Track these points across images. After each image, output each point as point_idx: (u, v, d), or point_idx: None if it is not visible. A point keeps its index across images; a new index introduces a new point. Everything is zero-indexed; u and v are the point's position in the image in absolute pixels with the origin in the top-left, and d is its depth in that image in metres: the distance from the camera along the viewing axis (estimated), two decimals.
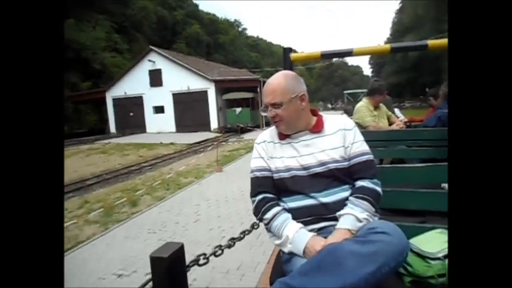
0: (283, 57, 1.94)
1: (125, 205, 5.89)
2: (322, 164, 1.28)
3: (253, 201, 1.35)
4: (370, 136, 2.13)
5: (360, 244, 1.01)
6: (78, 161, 11.82)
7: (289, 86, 1.30)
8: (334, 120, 1.40)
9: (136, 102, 22.90)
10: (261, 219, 1.32)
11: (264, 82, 1.34)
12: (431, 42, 1.83)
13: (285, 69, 1.70)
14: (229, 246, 1.20)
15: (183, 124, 22.02)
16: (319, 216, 1.25)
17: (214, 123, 21.86)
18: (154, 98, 22.56)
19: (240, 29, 73.61)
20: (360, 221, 1.17)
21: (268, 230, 1.31)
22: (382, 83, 3.56)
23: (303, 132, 1.36)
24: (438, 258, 1.22)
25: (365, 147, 1.36)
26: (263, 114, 1.37)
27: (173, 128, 22.32)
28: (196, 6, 57.69)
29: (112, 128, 24.02)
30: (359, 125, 3.03)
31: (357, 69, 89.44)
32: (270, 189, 1.33)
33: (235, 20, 75.76)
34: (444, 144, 2.30)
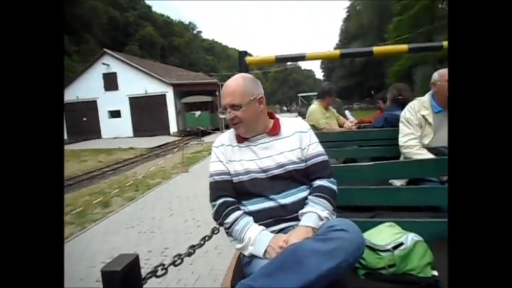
0: (238, 61, 1.97)
1: (96, 207, 5.99)
2: (281, 166, 1.30)
3: (213, 206, 1.33)
4: (324, 137, 2.15)
5: (321, 242, 1.03)
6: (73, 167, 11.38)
7: (248, 88, 1.30)
8: (290, 123, 1.43)
9: (90, 106, 22.02)
10: (221, 224, 1.30)
11: (222, 85, 1.36)
12: (376, 48, 1.95)
13: (240, 72, 1.71)
14: (189, 254, 1.16)
15: (140, 128, 21.59)
16: (279, 218, 1.27)
17: (173, 127, 21.70)
18: (110, 102, 21.84)
19: (195, 32, 72.98)
20: (322, 219, 1.20)
21: (229, 234, 1.31)
22: (332, 86, 3.78)
23: (261, 135, 1.36)
24: (388, 250, 1.27)
25: (320, 149, 1.40)
26: (221, 116, 1.38)
27: (130, 133, 21.83)
28: (149, 7, 56.24)
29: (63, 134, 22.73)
30: (313, 127, 3.13)
31: (310, 73, 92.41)
32: (230, 193, 1.32)
33: (190, 22, 74.72)
34: (391, 143, 2.43)
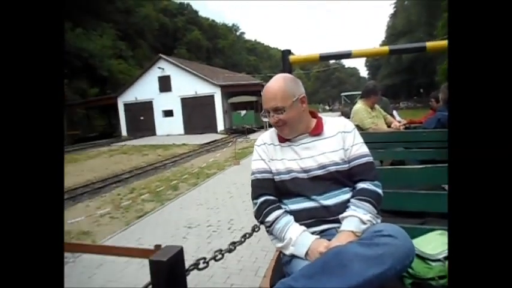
0: (282, 60, 1.92)
1: (168, 190, 7.22)
2: (322, 166, 1.28)
3: (254, 204, 1.33)
4: (369, 138, 2.12)
5: (366, 247, 1.00)
6: (105, 161, 12.96)
7: (290, 90, 1.28)
8: (333, 123, 1.39)
9: (146, 106, 23.80)
10: (262, 222, 1.30)
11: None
12: (429, 44, 1.81)
13: (283, 71, 1.68)
14: (230, 251, 1.19)
15: (191, 127, 22.91)
16: (321, 219, 1.24)
17: (220, 126, 22.77)
18: (164, 103, 23.49)
19: (238, 33, 74.41)
20: (364, 223, 1.16)
21: (270, 232, 1.30)
22: (376, 84, 3.61)
23: (303, 135, 1.34)
24: (438, 260, 1.22)
25: (365, 149, 1.34)
26: (264, 119, 1.36)
27: (181, 131, 23.22)
28: (197, 12, 58.50)
29: (123, 131, 24.92)
30: (358, 127, 3.08)
31: (354, 71, 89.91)
32: (271, 191, 1.31)
33: (234, 24, 75.94)
34: (444, 145, 2.29)
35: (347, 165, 1.30)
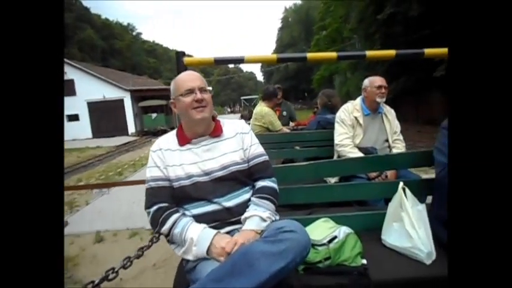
0: (176, 62, 1.94)
1: (114, 176, 8.86)
2: (224, 167, 1.31)
3: (148, 213, 1.29)
4: (263, 139, 2.08)
5: (270, 244, 1.04)
6: None
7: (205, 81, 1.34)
8: (231, 124, 1.43)
9: None
10: (159, 232, 1.25)
11: None
12: (309, 55, 2.05)
13: (178, 72, 1.63)
14: (138, 256, 1.15)
15: (99, 130, 23.32)
16: (224, 221, 1.26)
17: (131, 128, 23.87)
18: (67, 107, 22.66)
19: (134, 33, 69.84)
20: (264, 220, 1.23)
21: (170, 240, 1.27)
22: (276, 87, 3.78)
23: (203, 137, 1.34)
24: (324, 244, 1.34)
25: (261, 149, 1.43)
26: (185, 99, 1.29)
27: (89, 135, 23.48)
28: (87, 9, 53.91)
29: None
30: (268, 130, 3.42)
31: (251, 76, 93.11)
32: (167, 199, 1.28)
33: (129, 24, 70.89)
34: (325, 144, 2.70)
35: (246, 165, 1.37)
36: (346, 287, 1.25)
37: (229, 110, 55.00)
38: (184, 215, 1.28)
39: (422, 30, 10.49)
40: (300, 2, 46.92)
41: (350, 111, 2.41)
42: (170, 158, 1.33)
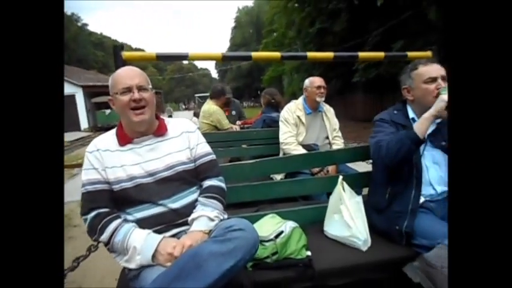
0: (114, 56, 1.72)
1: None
2: (170, 167, 1.19)
3: (84, 220, 1.12)
4: (210, 137, 2.05)
5: (219, 243, 0.98)
6: None
7: (147, 77, 1.21)
8: (176, 123, 1.32)
9: None
10: (97, 240, 1.11)
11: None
12: (254, 54, 1.96)
13: (116, 68, 1.49)
14: (72, 269, 1.10)
15: None
16: (170, 224, 1.15)
17: (84, 124, 22.49)
18: None
19: (79, 24, 65.53)
20: (212, 220, 1.14)
21: (111, 249, 1.11)
22: (224, 86, 3.65)
23: (146, 137, 1.21)
24: (271, 240, 1.31)
25: (208, 148, 1.33)
26: (121, 97, 1.13)
27: None
28: None
29: None
30: (216, 128, 3.29)
31: (206, 72, 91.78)
32: (106, 203, 1.12)
33: (73, 13, 61.54)
34: (270, 142, 2.65)
35: (193, 164, 1.27)
36: (293, 279, 1.25)
37: (184, 106, 53.35)
38: (125, 220, 1.14)
39: (347, 42, 11.71)
40: (251, 4, 46.89)
41: (293, 110, 2.41)
42: (109, 159, 1.16)
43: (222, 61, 2.38)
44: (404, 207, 1.35)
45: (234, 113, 4.03)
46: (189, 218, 1.17)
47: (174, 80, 67.77)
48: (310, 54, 1.88)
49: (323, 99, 2.41)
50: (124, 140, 1.20)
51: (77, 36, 55.00)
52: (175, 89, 69.49)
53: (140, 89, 1.15)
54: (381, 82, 10.68)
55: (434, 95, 1.36)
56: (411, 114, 1.50)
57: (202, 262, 0.94)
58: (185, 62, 59.14)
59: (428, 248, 1.20)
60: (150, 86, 1.20)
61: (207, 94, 4.13)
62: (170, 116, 23.89)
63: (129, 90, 1.14)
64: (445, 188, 1.41)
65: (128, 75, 1.16)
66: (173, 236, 1.15)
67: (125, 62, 1.69)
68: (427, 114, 1.28)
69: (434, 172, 1.42)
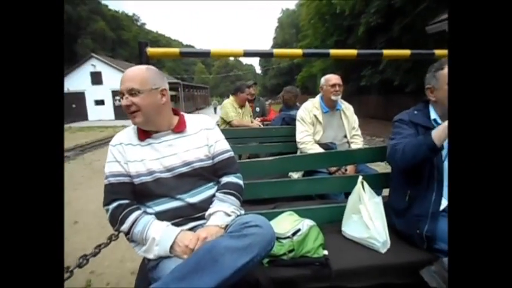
0: (139, 52, 1.61)
1: None
2: (187, 164, 1.11)
3: (106, 211, 1.06)
4: (229, 134, 1.98)
5: (236, 239, 0.92)
6: (66, 137, 12.87)
7: (150, 77, 1.07)
8: (195, 120, 1.22)
9: (78, 96, 24.01)
10: (119, 230, 1.05)
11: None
12: (276, 51, 1.70)
13: (141, 63, 1.43)
14: (95, 254, 1.06)
15: (120, 113, 23.37)
16: (188, 217, 1.08)
17: None
18: (95, 94, 24.17)
19: (139, 24, 65.57)
20: (229, 215, 1.07)
21: (130, 239, 1.05)
22: (244, 84, 3.47)
23: (165, 132, 1.13)
24: (288, 237, 1.21)
25: (227, 145, 1.23)
26: (117, 103, 1.63)
27: (112, 117, 24.08)
28: (99, 2, 50.67)
29: None
30: (222, 119, 3.15)
31: (251, 68, 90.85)
32: (127, 195, 1.06)
33: (134, 14, 65.36)
34: (288, 139, 2.40)
35: (211, 161, 1.17)
36: (308, 277, 1.15)
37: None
38: (145, 212, 1.06)
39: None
40: (293, 7, 45.43)
41: (309, 109, 2.19)
42: (131, 153, 1.09)
43: (244, 56, 1.82)
44: (425, 211, 1.19)
45: (258, 109, 3.91)
46: (206, 213, 1.09)
47: (220, 75, 68.34)
48: (333, 51, 1.65)
49: (339, 97, 2.17)
50: (143, 135, 1.12)
51: (137, 36, 56.39)
52: (221, 84, 69.86)
53: (131, 93, 1.04)
54: (388, 85, 11.45)
55: None
56: (433, 115, 1.30)
57: (219, 256, 0.87)
58: (231, 58, 59.32)
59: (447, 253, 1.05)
60: (150, 87, 1.06)
61: None
62: (215, 109, 23.68)
63: (122, 94, 1.06)
64: None
65: (122, 79, 1.06)
66: (190, 229, 1.08)
67: (150, 59, 1.57)
68: (447, 122, 1.07)
69: None
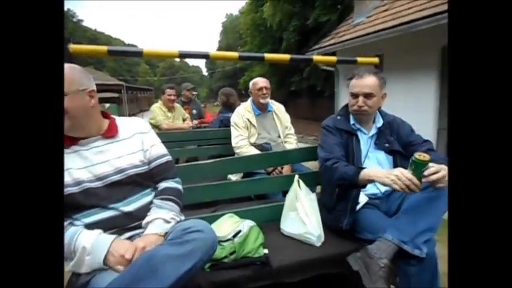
0: None
1: None
2: (120, 171, 1.00)
3: None
4: (166, 137, 1.87)
5: (176, 246, 0.85)
6: None
7: (75, 77, 0.94)
8: (128, 123, 1.10)
9: None
10: None
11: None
12: (212, 53, 1.62)
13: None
14: None
15: None
16: (123, 227, 0.97)
17: None
18: None
19: (74, 20, 57.11)
20: (168, 222, 0.99)
21: None
22: (171, 85, 3.28)
23: (94, 138, 1.00)
24: (229, 240, 1.18)
25: (163, 149, 1.15)
26: None
27: None
28: None
29: None
30: (153, 125, 2.93)
31: (197, 69, 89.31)
32: None
33: (69, 9, 55.66)
34: (226, 142, 2.28)
35: (147, 167, 1.07)
36: (250, 277, 1.13)
37: None
38: (71, 224, 0.93)
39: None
40: (237, 13, 45.43)
41: (242, 113, 2.16)
42: None
43: (179, 58, 1.65)
44: (345, 207, 1.28)
45: (194, 111, 3.79)
46: (144, 221, 1.00)
47: (165, 77, 64.71)
48: (268, 55, 1.67)
49: (267, 100, 2.18)
50: (69, 142, 0.98)
51: (73, 33, 51.28)
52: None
53: None
54: (313, 90, 12.69)
55: (354, 109, 1.35)
56: (352, 120, 1.42)
57: (159, 265, 0.80)
58: (177, 60, 56.91)
59: (372, 242, 1.14)
60: (76, 88, 0.93)
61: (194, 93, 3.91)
62: None
63: None
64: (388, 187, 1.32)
65: None
66: (127, 239, 0.97)
67: (72, 56, 1.34)
68: (379, 179, 1.11)
69: None
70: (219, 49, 50.41)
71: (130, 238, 0.98)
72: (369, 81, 1.31)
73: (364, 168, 1.18)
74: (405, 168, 1.07)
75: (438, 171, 1.01)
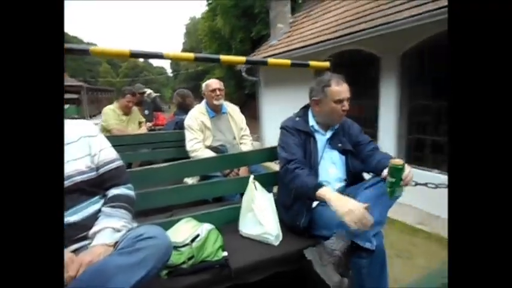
0: None
1: None
2: (66, 177, 0.91)
3: None
4: (117, 141, 1.77)
5: (127, 255, 0.79)
6: None
7: None
8: (74, 127, 1.01)
9: None
10: None
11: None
12: (166, 53, 1.51)
13: None
14: None
15: None
16: (68, 239, 0.88)
17: None
18: None
19: None
20: (119, 231, 0.91)
21: None
22: (129, 88, 3.06)
23: None
24: (187, 244, 1.11)
25: (114, 153, 1.06)
26: None
27: None
28: None
29: None
30: (104, 129, 2.75)
31: (162, 71, 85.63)
32: None
33: None
34: (182, 144, 2.12)
35: (95, 173, 0.99)
36: (209, 281, 1.09)
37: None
38: None
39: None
40: (198, 16, 44.27)
41: (196, 116, 2.06)
42: None
43: (131, 58, 1.49)
44: (302, 206, 1.30)
45: (147, 112, 3.58)
46: (90, 232, 0.92)
47: (129, 78, 60.91)
48: (223, 57, 1.62)
49: (221, 101, 2.11)
50: None
51: None
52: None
53: None
54: None
55: (340, 114, 1.34)
56: (311, 122, 1.43)
57: (109, 277, 0.74)
58: (141, 60, 53.73)
59: (328, 238, 1.17)
60: None
61: (160, 94, 3.73)
62: None
63: None
64: (341, 184, 1.39)
65: None
66: (73, 252, 0.89)
67: None
68: (332, 207, 1.07)
69: (332, 171, 1.39)
70: (183, 51, 48.66)
71: (76, 250, 0.90)
72: (346, 87, 1.34)
73: (323, 186, 1.15)
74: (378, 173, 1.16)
75: (410, 171, 1.10)
